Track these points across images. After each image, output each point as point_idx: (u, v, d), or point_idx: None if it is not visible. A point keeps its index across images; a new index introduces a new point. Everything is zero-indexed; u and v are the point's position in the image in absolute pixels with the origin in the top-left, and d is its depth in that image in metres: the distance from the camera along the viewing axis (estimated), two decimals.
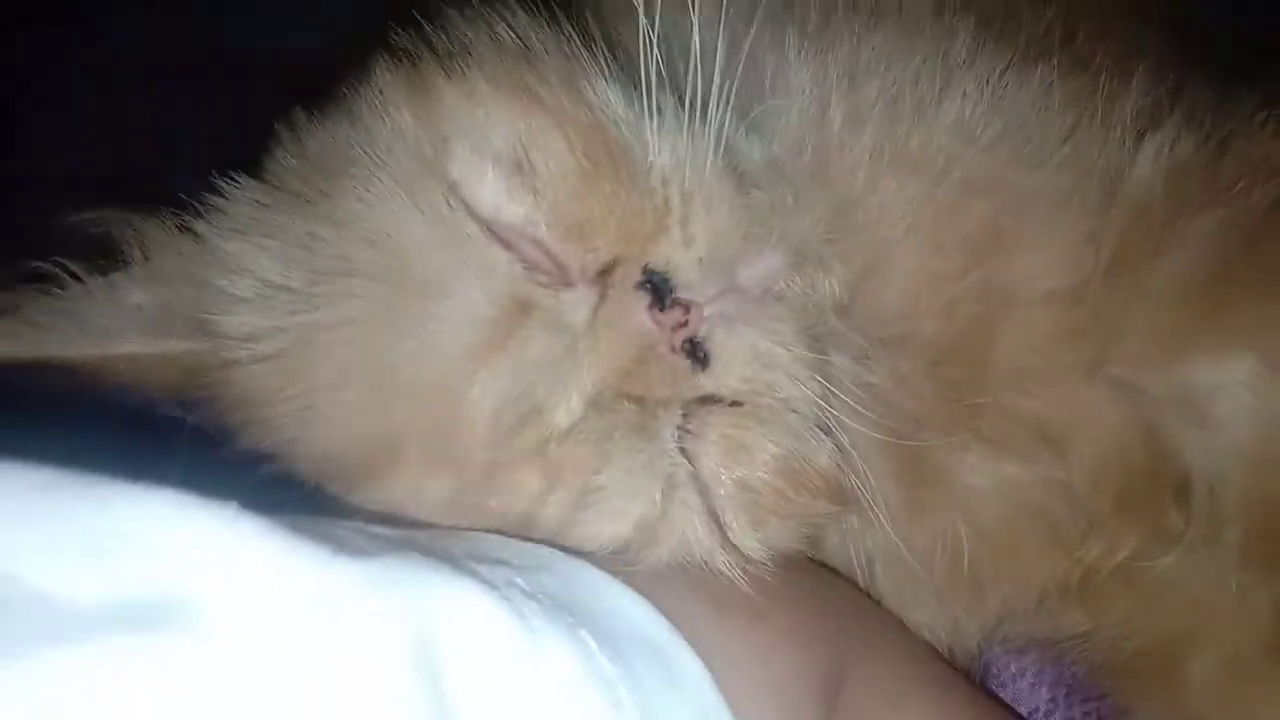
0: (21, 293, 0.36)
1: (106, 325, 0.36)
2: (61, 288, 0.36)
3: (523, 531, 0.32)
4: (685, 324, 0.31)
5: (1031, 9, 0.39)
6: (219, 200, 0.35)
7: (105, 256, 0.37)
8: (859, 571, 0.38)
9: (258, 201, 0.35)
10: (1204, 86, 0.38)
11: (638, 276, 0.31)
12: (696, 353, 0.31)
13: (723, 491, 0.32)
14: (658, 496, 0.31)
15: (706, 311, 0.31)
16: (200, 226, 0.36)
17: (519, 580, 0.27)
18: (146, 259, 0.37)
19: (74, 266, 0.36)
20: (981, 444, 0.36)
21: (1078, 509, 0.37)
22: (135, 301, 0.36)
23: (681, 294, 0.31)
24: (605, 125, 0.32)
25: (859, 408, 0.33)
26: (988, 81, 0.36)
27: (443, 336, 0.31)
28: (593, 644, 0.26)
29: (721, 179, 0.32)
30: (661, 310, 0.31)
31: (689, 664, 0.28)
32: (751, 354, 0.31)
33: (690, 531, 0.32)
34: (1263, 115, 0.36)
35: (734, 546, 0.32)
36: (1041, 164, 0.36)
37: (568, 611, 0.26)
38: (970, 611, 0.38)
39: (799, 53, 0.36)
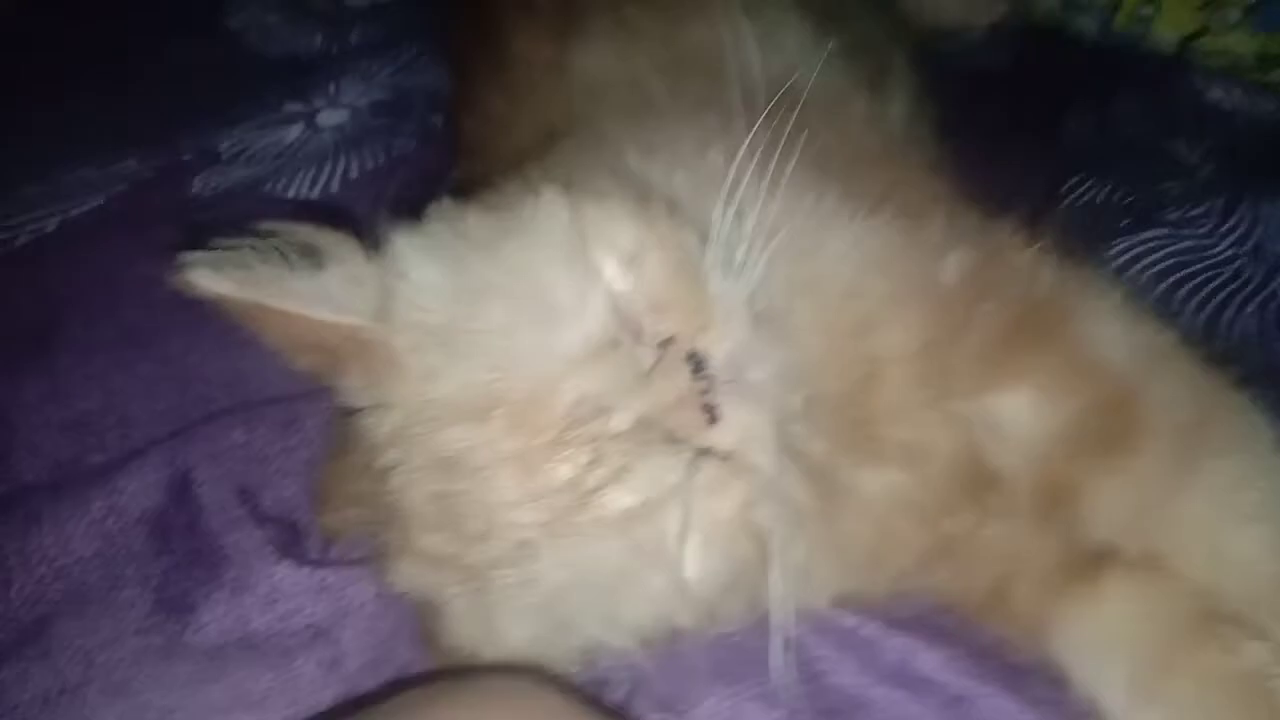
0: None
1: (314, 291, 0.49)
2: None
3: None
4: (708, 390, 0.46)
5: (870, 172, 0.58)
6: (420, 225, 0.51)
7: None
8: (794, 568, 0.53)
9: (450, 235, 0.50)
10: (977, 216, 0.58)
11: (687, 350, 0.47)
12: (712, 412, 0.46)
13: (697, 513, 0.47)
14: (668, 488, 0.45)
15: (723, 387, 0.46)
16: (400, 243, 0.50)
17: None
18: (344, 259, 0.50)
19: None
20: (873, 462, 0.53)
21: (937, 499, 0.54)
22: (336, 284, 0.50)
23: (710, 371, 0.46)
24: (688, 255, 0.49)
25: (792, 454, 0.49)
26: (850, 225, 0.54)
27: (560, 342, 0.46)
28: None
29: (746, 311, 0.48)
30: (695, 377, 0.46)
31: None
32: (746, 421, 0.47)
33: (668, 524, 0.46)
34: (1017, 235, 0.57)
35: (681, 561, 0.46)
36: (889, 274, 0.54)
37: None
38: (876, 577, 0.55)
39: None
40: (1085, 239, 0.84)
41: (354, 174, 0.90)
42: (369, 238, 0.51)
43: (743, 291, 0.49)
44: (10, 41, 1.12)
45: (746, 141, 0.52)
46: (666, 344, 0.47)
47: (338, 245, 0.50)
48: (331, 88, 1.02)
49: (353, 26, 1.18)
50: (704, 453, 0.47)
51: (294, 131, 0.96)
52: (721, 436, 0.47)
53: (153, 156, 0.92)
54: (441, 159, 0.87)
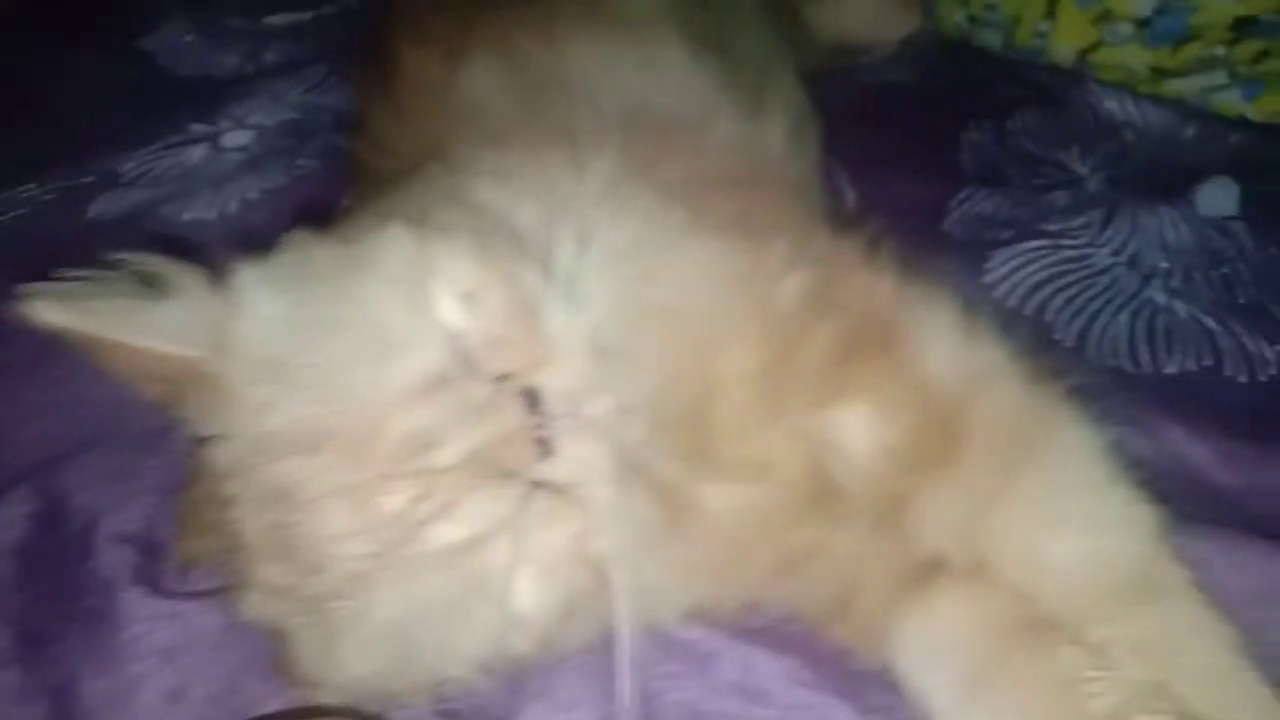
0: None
1: (153, 323, 0.50)
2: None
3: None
4: (542, 425, 0.47)
5: (722, 196, 0.59)
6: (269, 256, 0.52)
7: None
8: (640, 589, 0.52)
9: (296, 266, 0.51)
10: (825, 237, 0.60)
11: (521, 386, 0.48)
12: (545, 446, 0.47)
13: (528, 546, 0.47)
14: (496, 521, 0.46)
15: (558, 422, 0.48)
16: (244, 274, 0.51)
17: None
18: (186, 290, 0.51)
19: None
20: (718, 479, 0.55)
21: (783, 513, 0.55)
22: (176, 316, 0.50)
23: (546, 406, 0.48)
24: (527, 292, 0.50)
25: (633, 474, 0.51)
26: (694, 250, 0.55)
27: (393, 375, 0.47)
28: None
29: (586, 346, 0.49)
30: (531, 412, 0.47)
31: None
32: (581, 455, 0.48)
33: (496, 558, 0.47)
34: (860, 255, 0.58)
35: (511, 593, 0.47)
36: (730, 297, 0.55)
37: None
38: (725, 591, 0.56)
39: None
40: (969, 249, 0.87)
41: (253, 195, 0.91)
42: (218, 268, 0.52)
43: (583, 326, 0.50)
44: None
45: (591, 170, 0.53)
46: (503, 381, 0.48)
47: (181, 276, 0.51)
48: (240, 109, 1.03)
49: (268, 46, 1.19)
50: (538, 486, 0.48)
51: (198, 153, 0.96)
52: (555, 470, 0.48)
53: (54, 180, 0.92)
54: (343, 179, 0.88)
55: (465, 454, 0.46)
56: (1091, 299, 0.82)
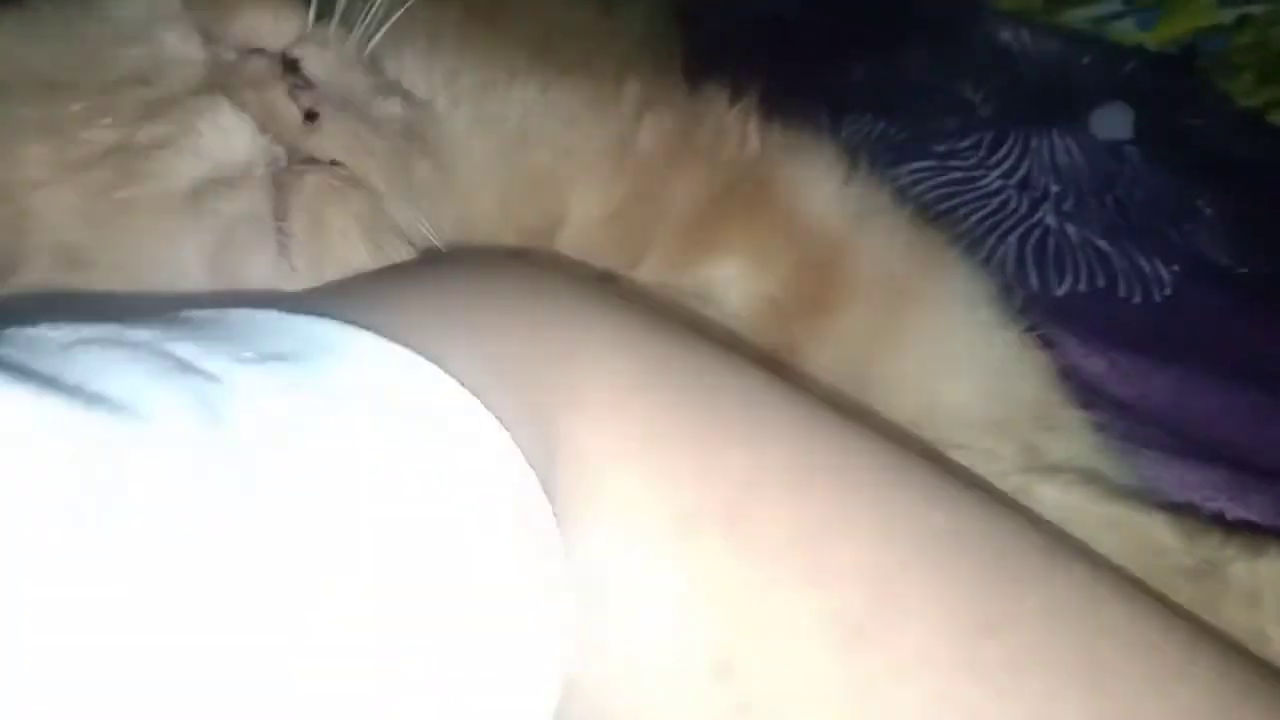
0: None
1: None
2: None
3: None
4: (303, 89, 0.41)
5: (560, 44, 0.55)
6: None
7: None
8: None
9: None
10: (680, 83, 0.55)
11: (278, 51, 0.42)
12: (310, 116, 0.41)
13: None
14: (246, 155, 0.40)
15: (325, 95, 0.41)
16: None
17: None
18: None
19: None
20: None
21: None
22: None
23: (307, 74, 0.42)
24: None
25: None
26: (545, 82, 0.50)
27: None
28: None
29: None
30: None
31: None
32: (356, 134, 0.42)
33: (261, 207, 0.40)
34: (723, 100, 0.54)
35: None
36: (574, 129, 0.50)
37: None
38: None
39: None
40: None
41: None
42: None
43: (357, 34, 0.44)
44: None
45: None
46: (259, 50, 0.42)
47: None
48: None
49: None
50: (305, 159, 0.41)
51: None
52: (325, 144, 0.41)
53: None
54: None
55: (205, 80, 0.40)
56: (980, 220, 0.76)
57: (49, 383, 0.21)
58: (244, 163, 0.40)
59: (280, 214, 0.40)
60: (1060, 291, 0.70)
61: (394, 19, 0.45)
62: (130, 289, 0.38)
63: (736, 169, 0.52)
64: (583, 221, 0.49)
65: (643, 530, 0.27)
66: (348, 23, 0.45)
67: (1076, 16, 1.00)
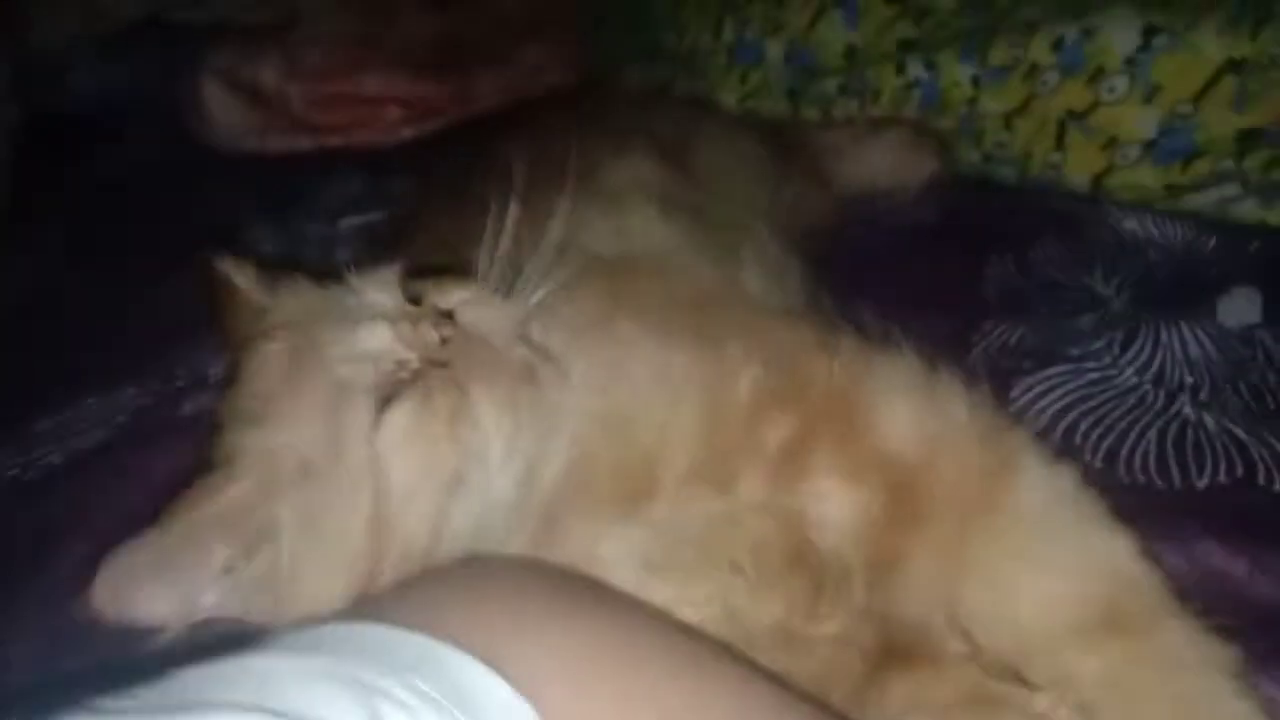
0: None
1: None
2: None
3: None
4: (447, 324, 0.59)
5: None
6: None
7: None
8: None
9: None
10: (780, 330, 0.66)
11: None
12: (444, 340, 0.59)
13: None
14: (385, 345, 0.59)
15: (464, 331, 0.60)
16: None
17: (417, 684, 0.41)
18: None
19: None
20: None
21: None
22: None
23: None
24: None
25: None
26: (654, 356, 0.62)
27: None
28: None
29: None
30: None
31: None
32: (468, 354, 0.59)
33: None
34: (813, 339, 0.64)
35: None
36: (683, 399, 0.61)
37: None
38: None
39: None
40: (993, 380, 0.89)
41: None
42: None
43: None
44: (51, 293, 1.28)
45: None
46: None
47: None
48: None
49: (342, 246, 1.31)
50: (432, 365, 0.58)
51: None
52: (445, 353, 0.58)
53: (150, 384, 1.03)
54: None
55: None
56: (1119, 418, 0.83)
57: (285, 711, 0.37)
58: (382, 351, 0.58)
59: (386, 390, 0.57)
60: (1202, 484, 0.75)
61: (544, 295, 0.62)
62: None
63: (827, 399, 0.61)
64: (672, 478, 0.59)
65: None
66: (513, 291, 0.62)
67: (1197, 202, 1.06)
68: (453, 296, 0.61)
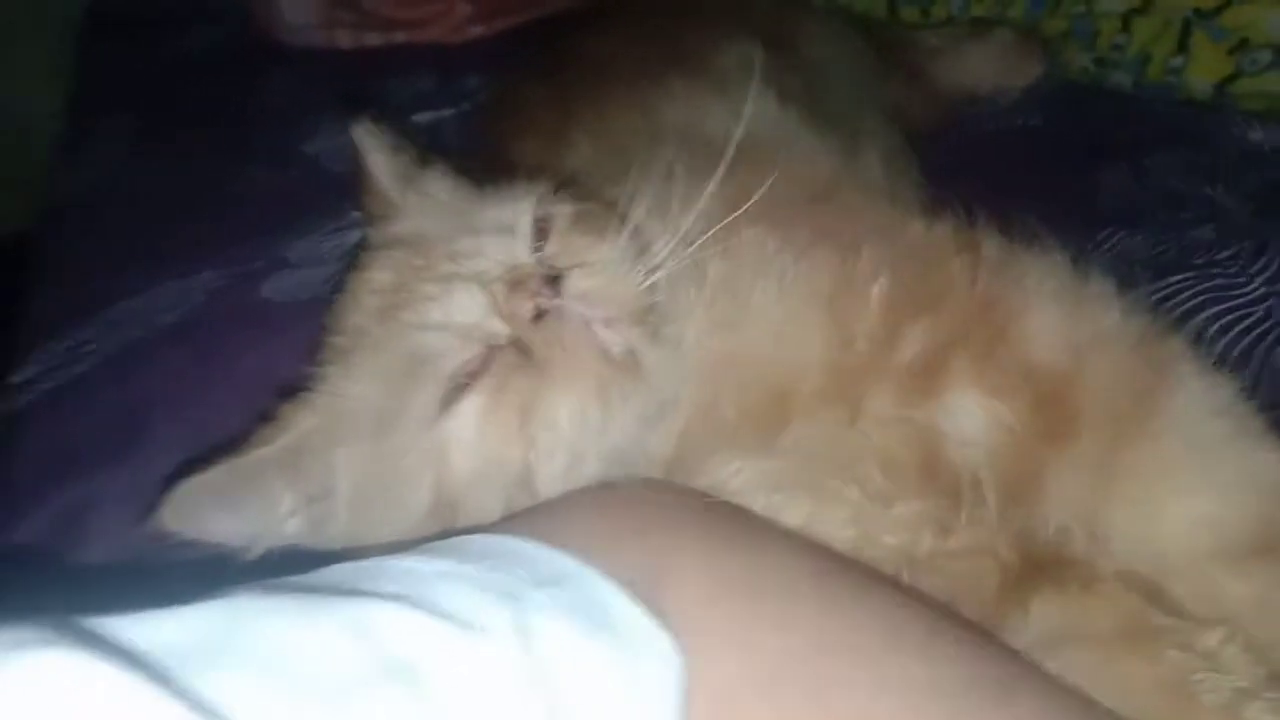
0: None
1: None
2: None
3: None
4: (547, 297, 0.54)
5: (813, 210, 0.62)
6: None
7: None
8: None
9: None
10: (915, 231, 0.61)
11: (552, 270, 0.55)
12: (539, 315, 0.54)
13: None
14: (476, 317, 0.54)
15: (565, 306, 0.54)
16: None
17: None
18: None
19: None
20: None
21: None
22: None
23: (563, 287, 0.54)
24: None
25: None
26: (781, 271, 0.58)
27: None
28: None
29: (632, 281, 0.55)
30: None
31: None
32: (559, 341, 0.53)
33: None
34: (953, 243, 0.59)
35: None
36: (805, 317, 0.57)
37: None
38: None
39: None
40: None
41: None
42: None
43: (639, 272, 0.55)
44: (121, 182, 1.26)
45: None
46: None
47: None
48: None
49: (417, 138, 1.28)
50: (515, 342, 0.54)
51: (356, 235, 1.04)
52: (536, 338, 0.53)
53: (228, 267, 1.01)
54: None
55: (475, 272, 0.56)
56: (1248, 329, 0.78)
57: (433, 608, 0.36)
58: (470, 325, 0.54)
59: (467, 373, 0.53)
60: None
61: (679, 264, 0.56)
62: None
63: (966, 310, 0.56)
64: (800, 405, 0.55)
65: None
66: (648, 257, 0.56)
67: None
68: (575, 254, 0.56)
